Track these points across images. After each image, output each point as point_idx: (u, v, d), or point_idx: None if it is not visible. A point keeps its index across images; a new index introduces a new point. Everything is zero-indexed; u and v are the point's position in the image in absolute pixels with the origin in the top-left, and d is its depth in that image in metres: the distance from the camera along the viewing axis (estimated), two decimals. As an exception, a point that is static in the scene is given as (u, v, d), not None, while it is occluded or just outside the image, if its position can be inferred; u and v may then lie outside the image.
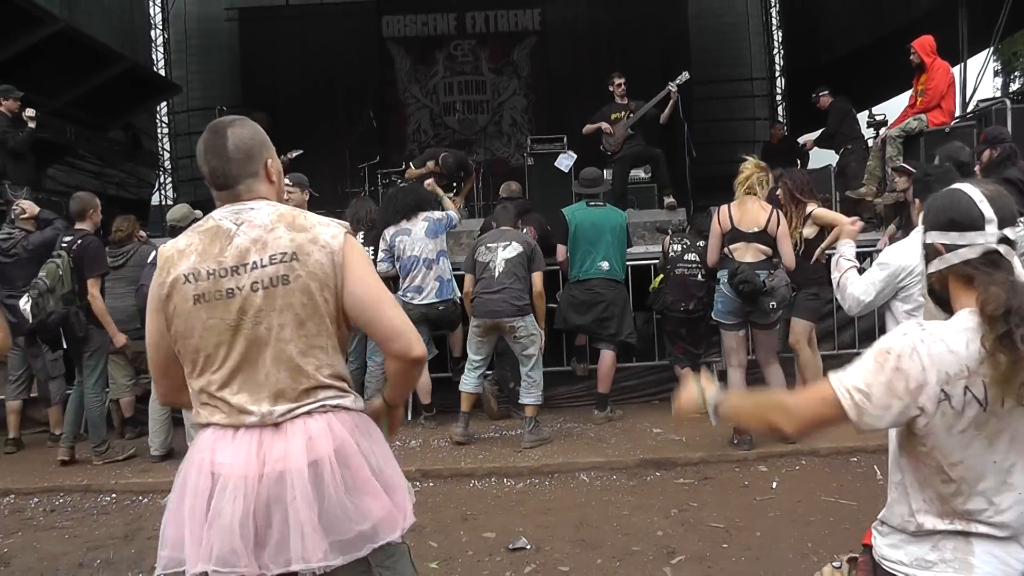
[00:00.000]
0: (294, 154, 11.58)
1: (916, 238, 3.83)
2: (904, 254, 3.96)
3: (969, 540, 2.07)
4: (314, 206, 7.87)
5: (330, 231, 2.47)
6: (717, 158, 15.16)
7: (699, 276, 7.67)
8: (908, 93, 9.87)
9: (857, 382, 2.05)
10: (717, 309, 6.78)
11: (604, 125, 10.49)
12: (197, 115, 17.80)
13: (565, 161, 11.16)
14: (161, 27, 18.61)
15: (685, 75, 10.55)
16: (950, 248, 2.11)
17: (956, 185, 2.23)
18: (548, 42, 18.69)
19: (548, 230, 8.14)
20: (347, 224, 2.51)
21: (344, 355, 2.56)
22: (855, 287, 4.24)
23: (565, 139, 11.85)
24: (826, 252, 6.95)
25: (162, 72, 18.03)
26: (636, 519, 5.50)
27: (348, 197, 12.03)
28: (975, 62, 11.62)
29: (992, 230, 2.07)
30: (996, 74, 23.00)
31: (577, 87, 17.06)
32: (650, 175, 11.18)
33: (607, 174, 10.25)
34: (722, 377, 8.11)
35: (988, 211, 2.08)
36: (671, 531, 5.29)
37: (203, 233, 2.48)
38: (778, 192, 7.33)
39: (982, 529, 2.05)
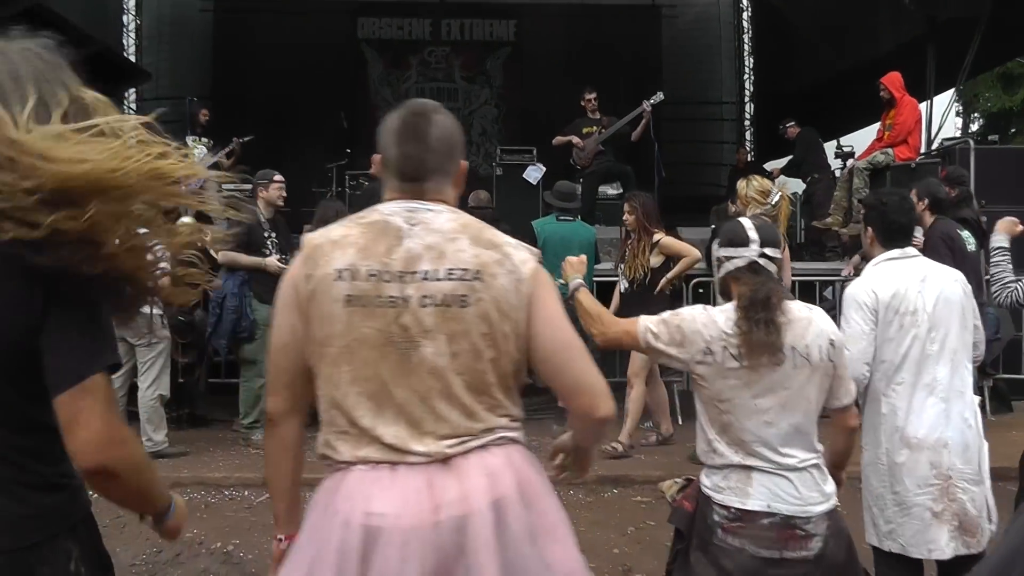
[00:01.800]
0: (245, 139, 11.59)
1: (868, 272, 3.84)
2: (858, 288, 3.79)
3: (750, 473, 2.80)
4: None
5: (520, 255, 2.10)
6: (683, 179, 15.30)
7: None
8: (874, 126, 10.06)
9: (652, 326, 2.90)
10: None
11: (575, 139, 10.53)
12: (166, 103, 17.59)
13: (534, 173, 11.21)
14: (134, 12, 18.39)
15: (660, 95, 10.65)
16: (728, 258, 2.94)
17: (738, 218, 3.24)
18: (522, 53, 18.70)
19: (515, 241, 8.15)
20: (537, 251, 2.17)
21: (518, 398, 2.17)
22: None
23: (535, 151, 11.89)
24: (671, 283, 7.06)
25: (132, 58, 17.81)
26: (593, 535, 5.52)
27: (315, 196, 11.97)
28: (939, 100, 11.87)
29: (755, 248, 2.90)
30: (957, 114, 23.38)
31: (548, 100, 17.04)
32: (619, 192, 11.23)
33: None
34: (686, 397, 8.21)
35: (753, 235, 2.92)
36: (627, 549, 5.32)
37: (366, 226, 2.10)
38: (625, 218, 7.38)
39: (759, 464, 2.79)
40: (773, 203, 6.50)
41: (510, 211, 9.96)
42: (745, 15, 18.97)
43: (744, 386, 2.80)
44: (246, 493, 6.53)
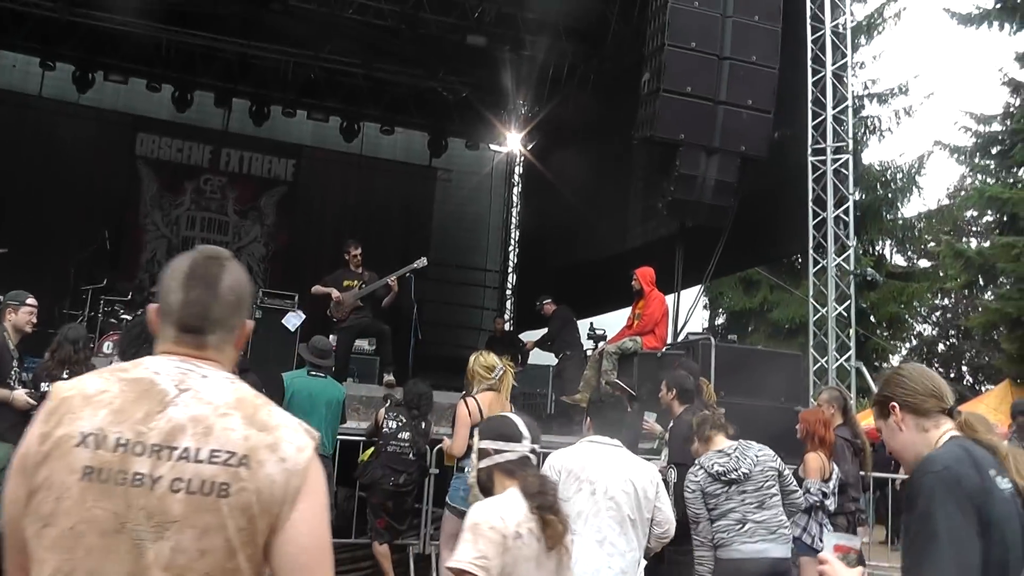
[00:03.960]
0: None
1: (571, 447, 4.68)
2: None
3: None
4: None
5: (297, 441, 1.79)
6: (441, 339, 15.52)
7: (411, 455, 7.79)
8: (626, 309, 10.64)
9: (473, 555, 2.82)
10: (459, 496, 6.56)
11: (334, 292, 10.44)
12: None
13: (293, 320, 11.05)
14: None
15: (423, 260, 10.80)
16: (498, 451, 3.11)
17: (502, 414, 3.53)
18: (297, 195, 18.71)
19: (262, 392, 7.95)
20: (318, 435, 1.91)
21: None
22: None
23: (296, 297, 11.73)
24: None
25: None
26: None
27: (65, 319, 11.24)
28: (688, 294, 12.75)
29: (526, 444, 3.13)
30: (705, 307, 25.12)
31: (317, 246, 17.12)
32: (373, 348, 11.22)
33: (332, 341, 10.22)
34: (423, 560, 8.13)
35: (525, 431, 3.16)
36: None
37: (128, 383, 1.78)
38: None
39: None
40: (497, 377, 6.77)
41: (265, 357, 9.76)
42: (516, 191, 19.89)
43: (536, 564, 2.93)
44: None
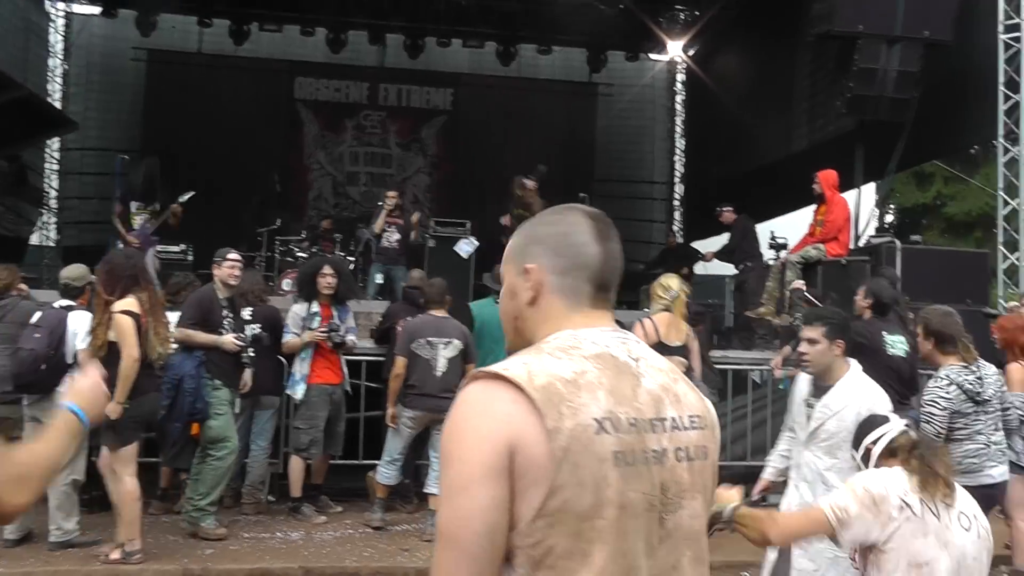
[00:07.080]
0: (187, 196, 11.17)
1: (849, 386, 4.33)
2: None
3: None
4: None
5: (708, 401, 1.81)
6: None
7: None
8: (799, 212, 10.23)
9: (837, 501, 3.09)
10: None
11: (504, 219, 10.49)
12: (91, 155, 17.09)
13: (466, 247, 11.10)
14: (61, 57, 17.69)
15: (542, 168, 10.82)
16: (876, 441, 3.36)
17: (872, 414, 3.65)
18: (457, 123, 18.81)
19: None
20: None
21: None
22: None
23: (468, 224, 11.77)
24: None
25: (58, 105, 17.22)
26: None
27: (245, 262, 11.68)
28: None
29: (896, 421, 3.44)
30: (876, 205, 24.07)
31: (482, 172, 17.17)
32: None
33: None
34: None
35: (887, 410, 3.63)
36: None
37: (594, 360, 1.63)
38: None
39: None
40: (672, 298, 6.70)
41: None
42: (679, 99, 19.38)
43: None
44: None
